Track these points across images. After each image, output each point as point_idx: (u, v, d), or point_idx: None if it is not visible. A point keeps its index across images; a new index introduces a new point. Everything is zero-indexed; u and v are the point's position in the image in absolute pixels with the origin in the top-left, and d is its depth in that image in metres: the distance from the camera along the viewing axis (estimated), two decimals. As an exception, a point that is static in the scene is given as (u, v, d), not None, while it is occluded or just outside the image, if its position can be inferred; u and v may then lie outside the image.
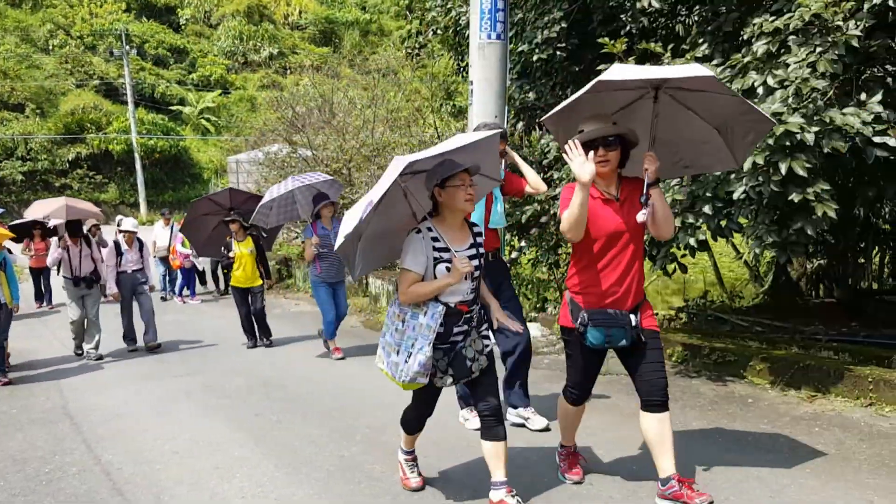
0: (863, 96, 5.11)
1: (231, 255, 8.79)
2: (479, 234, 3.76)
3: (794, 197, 5.08)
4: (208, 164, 36.65)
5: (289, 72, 25.79)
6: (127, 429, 5.70)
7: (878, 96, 5.03)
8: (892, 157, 5.08)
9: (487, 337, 3.74)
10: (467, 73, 8.07)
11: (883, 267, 10.46)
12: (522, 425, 5.16)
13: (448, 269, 3.50)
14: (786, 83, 5.08)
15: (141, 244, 9.37)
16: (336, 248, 3.57)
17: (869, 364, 5.79)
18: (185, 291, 13.41)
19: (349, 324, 10.18)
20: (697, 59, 5.90)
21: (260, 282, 9.08)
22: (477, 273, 3.62)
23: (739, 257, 12.13)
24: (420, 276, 3.52)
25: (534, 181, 5.11)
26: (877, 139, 4.94)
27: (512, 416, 5.20)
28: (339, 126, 14.10)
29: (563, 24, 8.02)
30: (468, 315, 3.64)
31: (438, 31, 10.42)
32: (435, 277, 3.53)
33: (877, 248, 9.87)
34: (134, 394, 6.83)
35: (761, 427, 4.99)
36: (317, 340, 8.90)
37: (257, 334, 9.07)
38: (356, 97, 15.41)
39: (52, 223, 10.28)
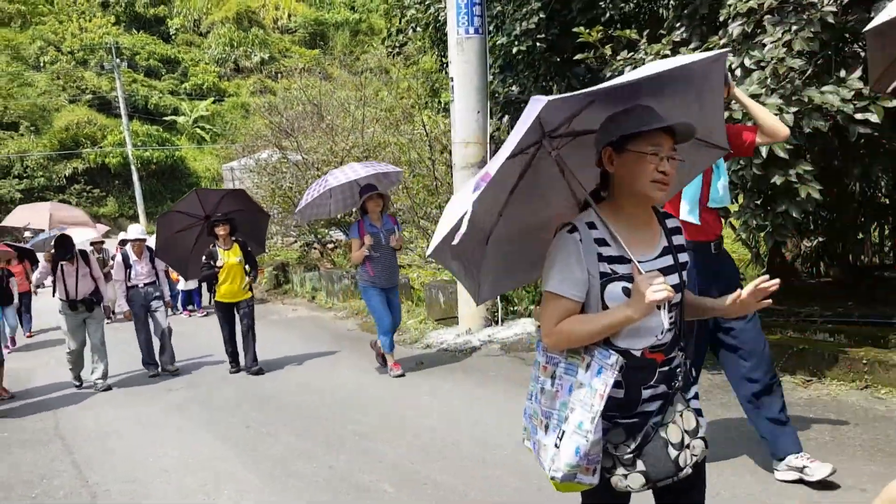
0: (843, 73, 5.01)
1: (218, 264, 7.65)
2: (677, 231, 2.25)
3: (777, 179, 4.99)
4: (205, 173, 36.65)
5: (280, 76, 25.71)
6: (117, 448, 5.65)
7: (858, 72, 4.93)
8: (875, 134, 4.98)
9: (700, 411, 2.20)
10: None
11: (883, 241, 10.33)
12: (799, 480, 3.72)
13: (627, 292, 2.03)
14: (763, 63, 5.00)
15: (151, 254, 8.37)
16: (430, 251, 2.26)
17: (865, 345, 5.69)
18: (185, 305, 13.05)
19: (346, 326, 10.14)
20: (675, 44, 5.81)
21: (248, 295, 7.94)
22: (678, 298, 2.11)
23: (739, 238, 12.02)
24: (577, 304, 2.08)
25: (770, 125, 3.52)
26: (858, 116, 4.84)
27: (781, 470, 3.79)
28: (328, 128, 14.05)
29: (542, 15, 7.93)
30: (666, 368, 2.13)
31: (419, 29, 10.35)
32: (604, 306, 2.06)
33: (875, 222, 9.74)
34: (126, 410, 6.77)
35: (754, 415, 4.90)
36: (310, 347, 8.84)
37: (241, 359, 7.98)
38: (346, 98, 15.36)
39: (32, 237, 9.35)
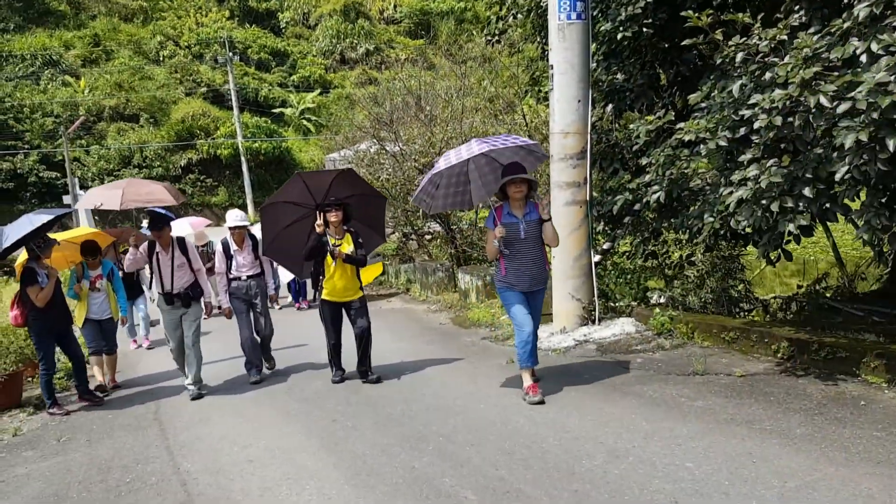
0: None
1: (337, 248, 6.54)
2: None
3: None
4: (310, 164, 37.58)
5: (384, 67, 25.97)
6: (208, 436, 5.74)
7: None
8: None
9: None
10: (549, 57, 7.73)
11: None
12: None
13: None
14: (892, 49, 4.48)
15: (255, 242, 7.46)
16: None
17: None
18: (297, 297, 12.83)
19: (437, 321, 10.03)
20: (792, 28, 5.33)
21: (360, 294, 6.87)
22: None
23: (860, 238, 11.16)
24: None
25: None
26: None
27: None
28: (426, 118, 13.97)
29: (650, -1, 7.52)
30: None
31: (520, 15, 10.10)
32: None
33: None
34: (220, 399, 6.91)
35: (874, 434, 4.42)
36: (401, 341, 8.76)
37: (343, 365, 7.04)
38: (448, 87, 15.21)
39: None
